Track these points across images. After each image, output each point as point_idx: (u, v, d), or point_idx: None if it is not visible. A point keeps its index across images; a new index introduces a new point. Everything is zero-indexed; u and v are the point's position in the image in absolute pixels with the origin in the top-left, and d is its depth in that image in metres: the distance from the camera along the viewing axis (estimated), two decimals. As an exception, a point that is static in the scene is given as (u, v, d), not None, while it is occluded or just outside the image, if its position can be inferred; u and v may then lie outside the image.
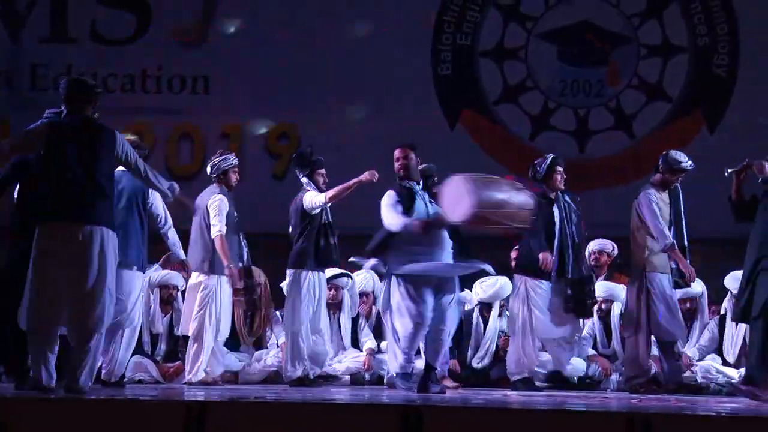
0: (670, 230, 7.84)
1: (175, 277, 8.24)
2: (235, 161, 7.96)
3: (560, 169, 8.07)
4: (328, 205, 7.86)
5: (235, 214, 7.88)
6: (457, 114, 11.18)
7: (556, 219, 7.98)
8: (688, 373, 8.33)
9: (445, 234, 7.16)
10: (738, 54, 10.92)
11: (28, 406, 5.56)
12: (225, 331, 7.91)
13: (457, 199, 6.85)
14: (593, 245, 8.78)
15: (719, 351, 8.45)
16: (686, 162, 7.92)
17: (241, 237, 7.96)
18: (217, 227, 7.69)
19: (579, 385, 8.52)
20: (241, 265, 7.95)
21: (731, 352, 8.35)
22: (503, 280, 8.63)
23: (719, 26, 11.00)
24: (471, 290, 8.85)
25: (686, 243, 7.91)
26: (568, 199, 8.07)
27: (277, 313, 8.64)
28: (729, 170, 7.02)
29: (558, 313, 7.97)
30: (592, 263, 8.74)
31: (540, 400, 6.85)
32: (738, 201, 7.00)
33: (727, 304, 8.44)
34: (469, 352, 8.77)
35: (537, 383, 8.15)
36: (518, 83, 11.22)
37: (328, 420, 5.26)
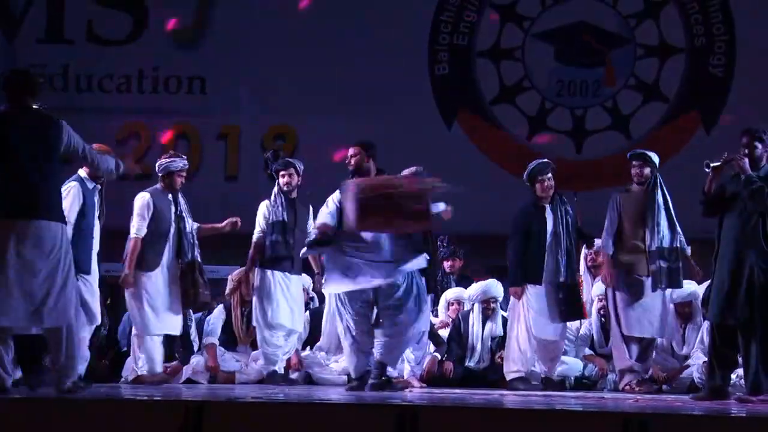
0: (641, 230, 7.89)
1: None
2: (183, 165, 7.90)
3: (542, 177, 8.03)
4: (281, 206, 8.03)
5: (180, 213, 7.83)
6: (453, 114, 11.19)
7: (549, 225, 8.00)
8: (685, 373, 8.34)
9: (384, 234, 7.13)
10: (734, 54, 10.95)
11: (23, 406, 5.55)
12: (169, 329, 7.88)
13: (348, 202, 6.91)
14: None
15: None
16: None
17: (188, 235, 7.90)
18: (134, 229, 7.73)
19: (576, 385, 8.53)
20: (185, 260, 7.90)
21: None
22: (490, 281, 8.67)
23: (716, 26, 11.02)
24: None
25: (665, 245, 7.90)
26: (563, 204, 8.08)
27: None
28: (710, 164, 7.00)
29: (551, 315, 8.02)
30: (590, 263, 8.76)
31: (537, 400, 6.86)
32: (711, 196, 6.98)
33: None
34: (467, 353, 8.79)
35: (534, 383, 8.17)
36: (515, 83, 11.23)
37: (324, 420, 5.27)
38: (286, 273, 8.09)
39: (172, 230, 7.83)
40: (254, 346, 8.62)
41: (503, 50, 11.24)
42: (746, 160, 6.78)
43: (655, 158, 8.12)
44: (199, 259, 7.90)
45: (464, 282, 9.26)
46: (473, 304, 8.81)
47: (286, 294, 8.10)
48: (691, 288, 8.42)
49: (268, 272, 8.08)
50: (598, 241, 8.67)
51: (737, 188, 6.74)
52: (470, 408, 5.79)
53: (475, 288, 8.81)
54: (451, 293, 9.02)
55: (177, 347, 8.25)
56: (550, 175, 8.06)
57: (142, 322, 7.77)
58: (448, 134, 11.11)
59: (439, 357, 8.65)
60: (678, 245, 8.00)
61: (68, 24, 11.39)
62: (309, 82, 11.11)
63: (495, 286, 8.69)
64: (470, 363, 8.77)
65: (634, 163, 8.07)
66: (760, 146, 6.82)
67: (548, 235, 8.01)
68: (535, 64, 11.21)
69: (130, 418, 5.35)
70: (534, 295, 8.03)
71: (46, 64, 11.26)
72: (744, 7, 10.98)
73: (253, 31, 11.22)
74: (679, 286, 8.07)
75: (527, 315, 8.03)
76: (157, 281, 7.79)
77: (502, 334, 8.64)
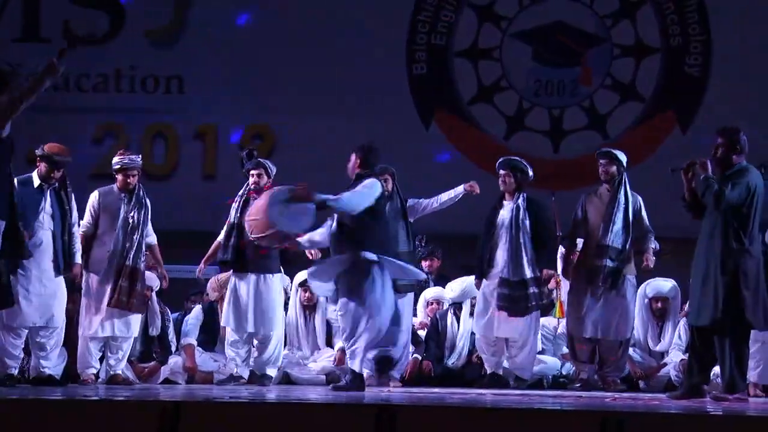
0: (606, 230, 7.94)
1: (150, 278, 8.20)
2: (129, 163, 7.81)
3: (502, 172, 8.11)
4: (237, 206, 7.99)
5: (126, 214, 7.76)
6: (431, 114, 11.19)
7: (499, 221, 8.06)
8: (662, 371, 8.37)
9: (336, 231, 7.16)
10: (710, 54, 10.99)
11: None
12: (107, 331, 7.78)
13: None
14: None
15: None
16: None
17: (132, 239, 7.85)
18: (81, 227, 7.72)
19: (554, 383, 8.54)
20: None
21: None
22: (470, 280, 8.66)
23: (692, 27, 11.06)
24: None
25: (616, 244, 7.95)
26: (520, 202, 8.08)
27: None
28: (673, 169, 7.05)
29: (492, 311, 8.07)
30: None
31: (515, 399, 6.86)
32: (692, 199, 7.02)
33: None
34: (445, 352, 8.79)
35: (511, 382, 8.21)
36: (493, 83, 11.24)
37: (303, 420, 5.25)
38: (251, 273, 7.98)
39: (118, 230, 7.74)
40: (233, 347, 8.60)
41: (481, 50, 11.25)
42: (708, 161, 6.82)
43: (622, 157, 8.17)
44: (138, 266, 7.73)
45: (442, 281, 9.26)
46: (452, 303, 8.82)
47: (250, 296, 7.98)
48: (668, 285, 8.45)
49: (236, 274, 8.02)
50: (580, 242, 8.70)
51: (698, 188, 6.79)
52: (448, 407, 5.79)
53: (453, 287, 8.80)
54: (430, 293, 9.01)
55: (155, 347, 8.22)
56: (503, 171, 8.12)
57: (83, 322, 7.75)
58: (426, 134, 11.11)
59: (420, 357, 8.66)
60: (628, 247, 8.04)
61: (44, 23, 11.32)
62: (286, 81, 11.08)
63: (473, 286, 8.68)
64: (449, 362, 8.78)
65: (601, 161, 8.16)
66: (729, 147, 6.83)
67: (500, 231, 8.05)
68: (513, 64, 11.23)
69: (107, 418, 5.32)
70: (480, 293, 8.17)
71: (22, 63, 11.18)
72: (720, 7, 11.01)
73: (231, 30, 11.19)
74: (616, 287, 8.08)
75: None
76: (96, 281, 7.74)
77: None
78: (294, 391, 7.36)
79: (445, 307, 8.88)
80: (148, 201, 7.88)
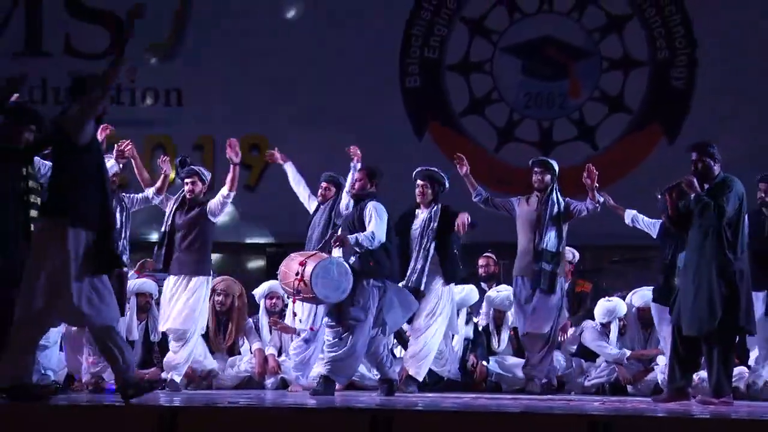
0: (541, 235, 8.02)
1: (150, 285, 8.20)
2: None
3: (420, 182, 8.08)
4: (170, 212, 7.95)
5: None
6: (424, 125, 11.22)
7: (413, 229, 8.01)
8: (650, 376, 8.38)
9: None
10: (696, 67, 11.03)
11: None
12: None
13: None
14: None
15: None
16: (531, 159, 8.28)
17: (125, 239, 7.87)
18: None
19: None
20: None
21: None
22: (468, 288, 8.66)
23: (678, 40, 11.10)
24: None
25: (539, 248, 8.02)
26: (431, 212, 8.03)
27: (250, 320, 8.64)
28: (660, 193, 7.16)
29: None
30: None
31: (506, 403, 6.88)
32: (676, 217, 7.09)
33: None
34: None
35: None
36: (484, 96, 11.27)
37: (300, 424, 5.26)
38: (171, 275, 7.88)
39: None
40: (230, 353, 8.60)
41: (472, 63, 11.28)
42: (694, 179, 6.88)
43: (555, 166, 8.27)
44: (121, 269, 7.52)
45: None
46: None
47: (175, 297, 7.90)
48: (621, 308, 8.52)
49: (169, 278, 7.97)
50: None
51: (691, 206, 6.86)
52: (442, 412, 5.81)
53: (460, 299, 8.78)
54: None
55: (155, 353, 8.22)
56: (421, 181, 8.08)
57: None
58: (419, 144, 11.13)
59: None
60: (561, 250, 8.08)
61: (46, 38, 11.34)
62: (283, 93, 11.10)
63: (473, 295, 8.67)
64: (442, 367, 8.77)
65: (536, 169, 8.24)
66: (708, 160, 6.93)
67: (414, 239, 8.01)
68: (504, 77, 11.26)
69: (107, 423, 5.32)
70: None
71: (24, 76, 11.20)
72: (704, 21, 11.06)
73: (228, 44, 11.20)
74: (554, 291, 8.16)
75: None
76: None
77: (472, 337, 8.66)
78: (291, 397, 7.36)
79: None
80: (128, 205, 7.96)
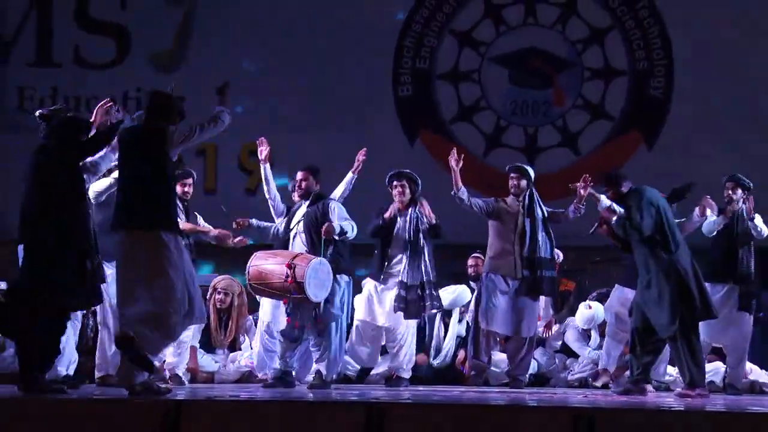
0: (512, 235, 8.06)
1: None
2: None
3: (396, 183, 8.05)
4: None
5: None
6: (416, 132, 11.23)
7: (396, 229, 7.97)
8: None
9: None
10: (673, 77, 11.05)
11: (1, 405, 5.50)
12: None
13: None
14: None
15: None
16: (509, 165, 8.29)
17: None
18: None
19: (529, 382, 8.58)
20: None
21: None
22: (461, 288, 8.67)
23: (656, 51, 11.13)
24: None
25: (535, 255, 8.03)
26: (413, 213, 8.01)
27: (250, 317, 8.64)
28: (591, 231, 7.35)
29: (390, 313, 7.98)
30: None
31: (494, 396, 6.89)
32: (619, 242, 7.27)
33: None
34: (431, 353, 8.82)
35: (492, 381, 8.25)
36: (472, 104, 11.28)
37: (297, 417, 5.26)
38: None
39: None
40: (231, 349, 8.60)
41: (461, 73, 11.29)
42: (613, 215, 7.09)
43: (531, 172, 8.30)
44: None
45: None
46: (441, 310, 8.83)
47: None
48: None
49: None
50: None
51: (619, 232, 7.12)
52: (433, 404, 5.82)
53: (444, 296, 8.79)
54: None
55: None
56: (397, 182, 8.06)
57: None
58: (411, 150, 11.14)
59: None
60: (553, 255, 8.12)
61: (56, 49, 11.32)
62: (283, 103, 11.10)
63: (465, 295, 8.67)
64: (434, 361, 8.80)
65: (512, 175, 8.26)
66: (615, 188, 7.19)
67: (399, 239, 7.97)
68: (491, 86, 11.27)
69: (111, 416, 5.30)
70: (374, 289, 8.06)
71: (36, 86, 11.20)
72: (681, 33, 11.08)
73: (229, 55, 11.19)
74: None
75: None
76: None
77: (464, 335, 8.68)
78: (291, 390, 7.36)
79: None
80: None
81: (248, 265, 7.37)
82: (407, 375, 8.11)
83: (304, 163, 8.02)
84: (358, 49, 11.14)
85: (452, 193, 8.06)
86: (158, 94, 6.37)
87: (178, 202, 7.59)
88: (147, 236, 6.02)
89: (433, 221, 7.98)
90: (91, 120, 6.45)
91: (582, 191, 7.89)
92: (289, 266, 7.16)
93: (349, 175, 8.07)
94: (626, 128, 11.10)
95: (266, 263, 7.28)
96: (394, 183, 8.07)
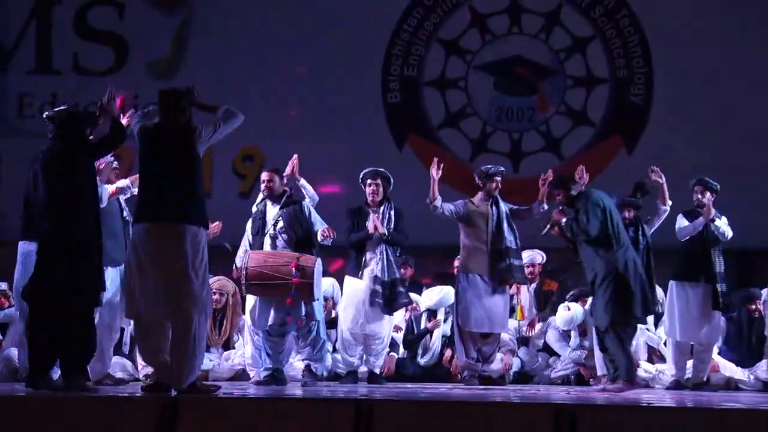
0: (484, 235, 8.05)
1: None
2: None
3: (371, 181, 8.01)
4: None
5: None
6: (404, 137, 11.24)
7: (370, 227, 7.93)
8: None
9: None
10: (652, 84, 11.09)
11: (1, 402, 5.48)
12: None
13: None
14: (524, 259, 8.83)
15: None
16: (491, 168, 8.28)
17: None
18: None
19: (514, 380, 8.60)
20: None
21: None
22: (447, 289, 8.68)
23: (635, 60, 11.16)
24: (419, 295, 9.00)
25: (502, 246, 8.04)
26: (387, 209, 8.03)
27: (243, 317, 8.63)
28: (543, 234, 7.49)
29: (365, 310, 7.94)
30: (528, 276, 8.81)
31: (479, 393, 6.90)
32: (570, 243, 7.38)
33: None
34: (419, 352, 8.82)
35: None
36: (459, 110, 11.30)
37: (289, 413, 5.27)
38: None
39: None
40: (225, 347, 8.60)
41: (448, 80, 11.31)
42: (559, 210, 7.30)
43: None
44: None
45: (415, 288, 9.29)
46: (426, 310, 8.85)
47: None
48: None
49: None
50: (527, 256, 8.75)
51: (567, 233, 7.28)
52: (420, 401, 5.82)
53: (430, 296, 8.80)
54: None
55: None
56: (371, 180, 8.04)
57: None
58: (400, 155, 11.15)
59: (396, 355, 8.69)
60: (518, 245, 8.12)
61: (56, 56, 11.30)
62: (276, 108, 11.10)
63: (450, 295, 8.68)
64: (422, 360, 8.80)
65: (497, 178, 8.25)
66: (564, 191, 7.38)
67: (374, 236, 7.93)
68: (477, 93, 11.28)
69: (110, 413, 5.30)
70: (349, 291, 8.03)
71: (35, 93, 11.18)
72: (660, 42, 11.12)
73: (224, 62, 11.18)
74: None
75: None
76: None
77: (449, 334, 8.68)
78: (282, 387, 7.36)
79: (420, 311, 8.92)
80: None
81: (243, 266, 7.31)
82: (379, 371, 8.15)
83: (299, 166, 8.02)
84: (349, 57, 11.14)
85: (427, 201, 8.04)
86: (167, 93, 6.31)
87: None
88: (182, 230, 5.94)
89: (386, 234, 7.93)
90: (97, 112, 6.39)
91: (542, 188, 8.02)
92: (296, 267, 7.15)
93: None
94: (607, 134, 11.14)
95: (266, 264, 7.24)
96: (369, 181, 8.04)
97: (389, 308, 7.95)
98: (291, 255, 7.33)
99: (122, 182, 7.34)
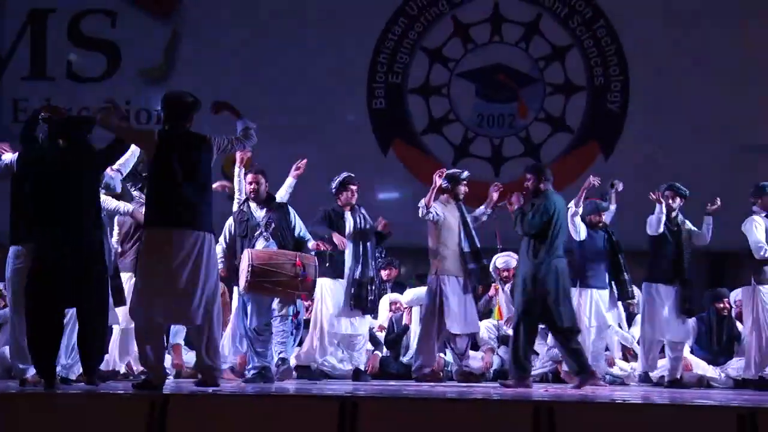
0: (457, 237, 8.04)
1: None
2: None
3: (352, 187, 8.03)
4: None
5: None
6: (389, 143, 11.24)
7: (348, 229, 7.95)
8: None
9: None
10: (628, 92, 11.13)
11: None
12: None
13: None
14: (499, 263, 8.84)
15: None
16: (460, 172, 8.26)
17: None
18: None
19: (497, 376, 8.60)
20: None
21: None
22: (424, 289, 8.68)
23: (612, 68, 11.21)
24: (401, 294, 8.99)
25: (477, 247, 8.08)
26: (363, 212, 8.07)
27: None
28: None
29: (343, 308, 7.96)
30: (503, 279, 8.83)
31: (461, 390, 6.90)
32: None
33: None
34: (402, 350, 8.83)
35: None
36: (442, 116, 11.31)
37: (275, 409, 5.25)
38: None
39: None
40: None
41: (432, 87, 11.32)
42: (515, 197, 7.33)
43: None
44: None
45: (399, 288, 9.29)
46: (409, 307, 8.85)
47: None
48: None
49: None
50: (502, 260, 8.75)
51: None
52: (403, 398, 5.81)
53: (415, 296, 8.80)
54: (393, 297, 9.09)
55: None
56: (353, 186, 8.06)
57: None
58: (384, 160, 11.16)
59: (380, 354, 8.69)
60: (479, 246, 8.12)
61: (50, 63, 11.27)
62: (264, 115, 11.02)
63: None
64: (404, 358, 8.80)
65: (466, 182, 8.22)
66: (535, 181, 7.29)
67: (347, 237, 7.95)
68: (459, 99, 11.31)
69: (101, 410, 5.26)
70: (328, 291, 8.02)
71: (30, 98, 11.13)
72: (636, 52, 11.17)
73: (214, 70, 11.16)
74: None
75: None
76: None
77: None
78: (270, 385, 7.34)
79: (402, 311, 8.92)
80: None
81: (249, 263, 7.14)
82: (363, 368, 8.16)
83: (285, 170, 8.01)
84: (336, 64, 11.14)
85: (421, 204, 8.02)
86: (170, 97, 6.28)
87: None
88: (200, 236, 5.97)
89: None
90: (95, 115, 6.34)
91: (494, 194, 8.12)
92: (301, 265, 7.11)
93: (290, 180, 7.96)
94: (585, 140, 11.17)
95: (271, 261, 7.16)
96: (350, 186, 8.04)
97: (363, 308, 7.95)
98: (292, 254, 7.30)
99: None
